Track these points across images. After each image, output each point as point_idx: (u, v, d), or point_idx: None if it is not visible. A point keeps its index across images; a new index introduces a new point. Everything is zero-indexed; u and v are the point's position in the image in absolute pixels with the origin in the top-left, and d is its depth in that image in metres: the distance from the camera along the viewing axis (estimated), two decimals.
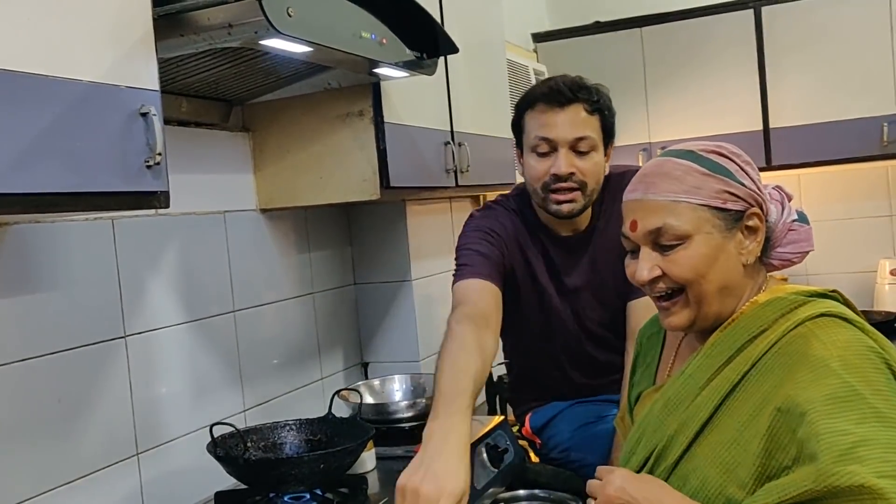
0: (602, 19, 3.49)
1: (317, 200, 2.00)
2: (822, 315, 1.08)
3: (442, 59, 2.10)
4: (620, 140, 3.39)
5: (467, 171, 2.29)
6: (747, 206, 1.13)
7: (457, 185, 2.27)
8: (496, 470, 1.78)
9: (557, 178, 1.73)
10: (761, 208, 1.15)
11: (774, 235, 1.17)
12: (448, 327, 1.58)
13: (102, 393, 1.56)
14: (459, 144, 2.26)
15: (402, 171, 1.99)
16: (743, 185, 1.13)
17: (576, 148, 1.73)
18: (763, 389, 1.06)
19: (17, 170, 1.02)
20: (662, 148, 3.30)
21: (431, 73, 1.85)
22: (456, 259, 1.80)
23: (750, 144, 3.26)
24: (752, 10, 3.26)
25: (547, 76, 3.40)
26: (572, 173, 1.73)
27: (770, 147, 3.27)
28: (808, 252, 1.20)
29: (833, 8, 3.15)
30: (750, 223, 1.14)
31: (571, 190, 1.74)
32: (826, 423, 0.98)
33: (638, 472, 1.16)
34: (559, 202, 1.75)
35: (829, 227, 3.53)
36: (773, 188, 1.19)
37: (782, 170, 3.31)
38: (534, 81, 3.22)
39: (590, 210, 1.84)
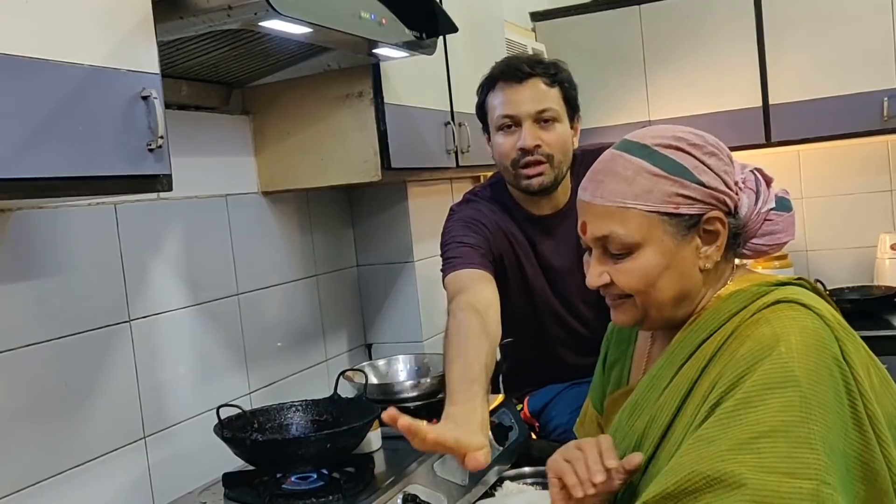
0: None
1: (318, 182, 2.00)
2: (779, 301, 1.03)
3: (441, 39, 2.10)
4: (620, 118, 3.43)
5: (468, 151, 2.28)
6: (705, 209, 1.04)
7: (458, 166, 2.27)
8: (501, 448, 1.79)
9: (524, 151, 1.77)
10: (725, 205, 1.05)
11: (748, 227, 1.08)
12: (451, 315, 1.55)
13: (108, 377, 1.57)
14: (460, 125, 2.25)
15: (403, 152, 1.99)
16: (701, 184, 1.03)
17: (539, 119, 1.77)
18: (712, 380, 1.01)
19: (19, 155, 1.02)
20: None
21: (431, 52, 1.84)
22: (442, 253, 1.80)
23: (750, 121, 3.26)
24: None
25: (545, 55, 3.39)
26: (538, 145, 1.77)
27: (770, 123, 3.25)
28: (785, 242, 1.12)
29: None
30: (708, 227, 1.05)
31: (539, 163, 1.78)
32: (742, 410, 0.94)
33: None
34: (529, 176, 1.79)
35: (830, 202, 3.53)
36: (750, 171, 1.10)
37: (782, 146, 3.30)
38: None
39: (567, 186, 1.87)
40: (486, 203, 1.90)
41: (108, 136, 1.15)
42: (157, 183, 1.25)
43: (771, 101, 3.24)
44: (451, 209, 1.93)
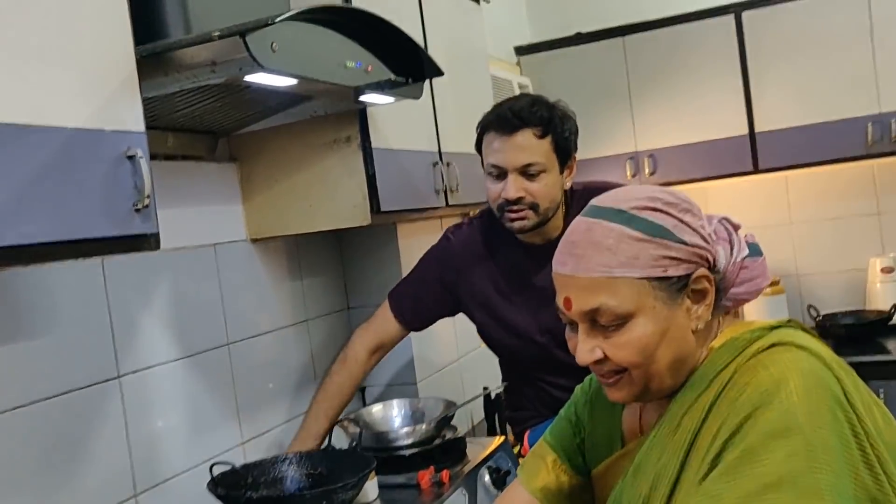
0: (584, 30, 3.50)
1: (307, 228, 1.98)
2: (774, 345, 1.01)
3: (427, 81, 2.10)
4: (607, 150, 3.45)
5: (457, 190, 2.28)
6: (692, 268, 1.01)
7: (447, 205, 2.27)
8: (499, 492, 1.77)
9: (508, 200, 1.81)
10: (707, 262, 1.03)
11: (726, 279, 1.05)
12: (351, 336, 2.05)
13: (99, 435, 1.54)
14: (448, 164, 2.25)
15: (392, 195, 1.98)
16: (684, 243, 1.01)
17: (525, 172, 1.80)
18: (715, 429, 0.98)
19: (3, 223, 1.01)
20: (650, 156, 3.34)
21: (417, 96, 1.84)
22: (410, 272, 2.05)
23: (736, 149, 3.28)
24: (732, 16, 3.27)
25: (530, 89, 3.41)
26: (521, 197, 1.81)
27: (757, 151, 3.28)
28: (763, 287, 1.09)
29: (813, 10, 3.16)
30: (697, 287, 1.02)
31: (522, 210, 1.82)
32: (746, 462, 0.91)
33: None
34: (511, 220, 1.84)
35: (818, 226, 3.54)
36: (718, 222, 1.07)
37: (769, 172, 3.32)
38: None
39: (560, 220, 1.90)
40: (472, 234, 2.01)
41: (93, 198, 1.13)
42: (145, 242, 1.23)
43: (757, 129, 3.27)
44: (446, 234, 2.05)
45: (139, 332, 1.67)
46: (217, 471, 1.45)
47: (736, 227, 1.09)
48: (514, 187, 1.79)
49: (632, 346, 1.01)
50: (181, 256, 1.80)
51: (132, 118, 1.21)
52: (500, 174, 1.81)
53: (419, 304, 2.03)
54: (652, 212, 1.02)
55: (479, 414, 2.54)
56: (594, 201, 1.08)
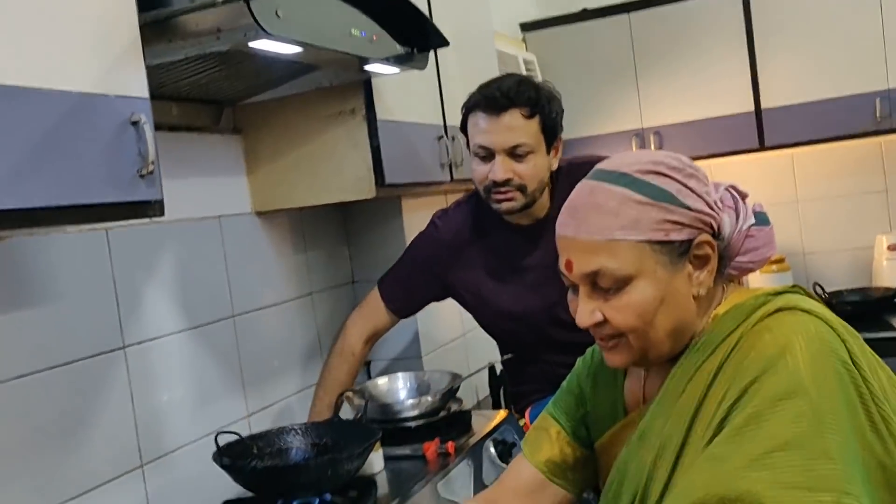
0: (589, 6, 3.47)
1: (311, 201, 1.98)
2: (779, 310, 1.00)
3: (432, 53, 2.08)
4: (613, 126, 3.43)
5: (462, 164, 2.27)
6: (694, 233, 1.01)
7: (452, 180, 2.26)
8: (505, 465, 1.77)
9: (496, 182, 1.80)
10: (711, 228, 1.02)
11: (731, 247, 1.04)
12: (344, 325, 2.07)
13: (104, 405, 1.54)
14: (453, 138, 2.24)
15: (397, 168, 1.97)
16: (687, 208, 1.00)
17: (513, 153, 1.79)
18: (720, 396, 0.98)
19: (7, 186, 1.00)
20: (655, 133, 3.32)
21: (422, 67, 1.83)
22: (398, 259, 2.06)
23: (743, 126, 3.26)
24: None
25: (536, 66, 3.39)
26: (509, 178, 1.80)
27: (763, 128, 3.25)
28: (769, 257, 1.09)
29: None
30: (699, 252, 1.02)
31: (509, 191, 1.81)
32: (753, 425, 0.91)
33: None
34: (499, 201, 1.83)
35: (825, 204, 3.52)
36: (725, 189, 1.07)
37: (776, 150, 3.30)
38: (524, 71, 3.20)
39: (546, 201, 1.90)
40: (461, 216, 2.01)
41: (97, 163, 1.13)
42: (150, 209, 1.23)
43: (763, 106, 3.24)
44: (432, 220, 2.05)
45: (144, 303, 1.67)
46: (222, 440, 1.45)
47: (743, 196, 1.08)
48: (502, 168, 1.78)
49: (631, 310, 1.01)
50: (186, 227, 1.79)
51: (136, 84, 1.21)
52: (488, 155, 1.80)
53: (410, 292, 2.04)
54: (656, 175, 1.02)
55: (484, 390, 2.54)
56: (599, 165, 1.08)
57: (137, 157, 1.18)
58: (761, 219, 1.08)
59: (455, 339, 2.65)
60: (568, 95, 3.44)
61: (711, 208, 1.03)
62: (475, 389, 2.61)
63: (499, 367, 2.28)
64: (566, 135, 3.32)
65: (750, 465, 0.89)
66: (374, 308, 2.06)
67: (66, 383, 1.47)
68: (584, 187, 1.05)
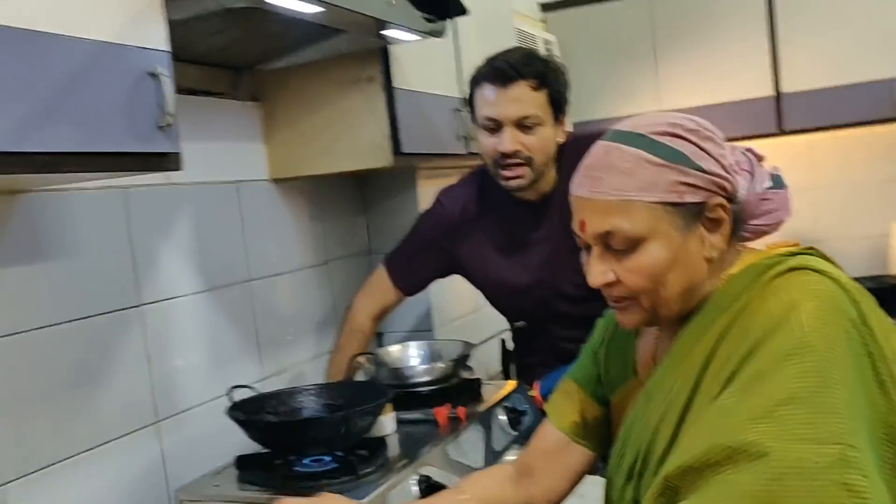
0: None
1: (329, 168, 1.99)
2: (790, 270, 1.00)
3: (451, 26, 2.09)
4: (631, 109, 3.41)
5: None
6: (708, 196, 1.00)
7: (468, 153, 2.26)
8: (515, 433, 1.78)
9: (504, 155, 1.79)
10: (725, 191, 1.02)
11: (746, 210, 1.04)
12: (352, 302, 2.10)
13: (119, 361, 1.56)
14: (465, 111, 2.24)
15: (414, 137, 1.98)
16: (701, 170, 1.00)
17: (521, 125, 1.78)
18: (726, 355, 0.98)
19: (27, 129, 1.02)
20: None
21: (441, 35, 1.83)
22: (404, 237, 2.06)
23: (762, 110, 3.23)
24: None
25: (555, 47, 3.38)
26: (518, 150, 1.79)
27: (782, 112, 3.23)
28: (784, 220, 1.07)
29: None
30: (712, 215, 1.01)
31: (518, 165, 1.81)
32: (758, 380, 0.91)
33: (629, 473, 1.09)
34: (507, 178, 1.82)
35: (841, 191, 3.50)
36: (741, 152, 1.06)
37: (794, 135, 3.28)
38: (543, 51, 3.19)
39: (552, 175, 1.89)
40: (465, 193, 2.01)
41: (116, 112, 1.14)
42: (167, 161, 1.24)
43: (783, 90, 3.22)
44: (437, 197, 2.06)
45: (160, 264, 1.68)
46: (237, 395, 1.46)
47: (759, 158, 1.08)
48: (509, 140, 1.78)
49: (643, 271, 1.01)
50: (203, 191, 1.81)
51: (157, 37, 1.22)
52: (495, 127, 1.80)
53: (416, 270, 2.05)
54: (672, 137, 1.01)
55: (495, 365, 2.55)
56: (615, 126, 1.08)
57: (156, 109, 1.20)
58: (777, 181, 1.07)
59: (467, 313, 2.66)
60: (587, 77, 3.46)
61: (727, 171, 1.02)
62: (485, 366, 2.62)
63: (509, 342, 2.29)
64: (584, 117, 3.33)
65: (756, 419, 0.89)
66: (380, 286, 2.07)
67: (83, 338, 1.49)
68: (599, 148, 1.06)
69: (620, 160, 1.01)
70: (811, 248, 1.08)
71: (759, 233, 1.08)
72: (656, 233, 1.00)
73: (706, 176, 1.00)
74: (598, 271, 1.05)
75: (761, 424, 0.89)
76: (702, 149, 1.01)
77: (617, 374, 1.21)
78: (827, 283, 0.98)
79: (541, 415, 1.90)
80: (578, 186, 1.06)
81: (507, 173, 1.81)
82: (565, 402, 1.26)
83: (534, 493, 1.24)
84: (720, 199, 1.01)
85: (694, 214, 1.01)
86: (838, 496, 0.83)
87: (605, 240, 1.03)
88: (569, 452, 1.24)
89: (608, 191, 1.01)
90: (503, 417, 1.77)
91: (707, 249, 1.03)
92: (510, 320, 2.13)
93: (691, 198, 1.00)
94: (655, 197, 0.99)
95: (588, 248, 1.07)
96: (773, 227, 1.08)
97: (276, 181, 2.05)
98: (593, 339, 1.28)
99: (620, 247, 1.02)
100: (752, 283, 1.01)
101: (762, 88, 3.24)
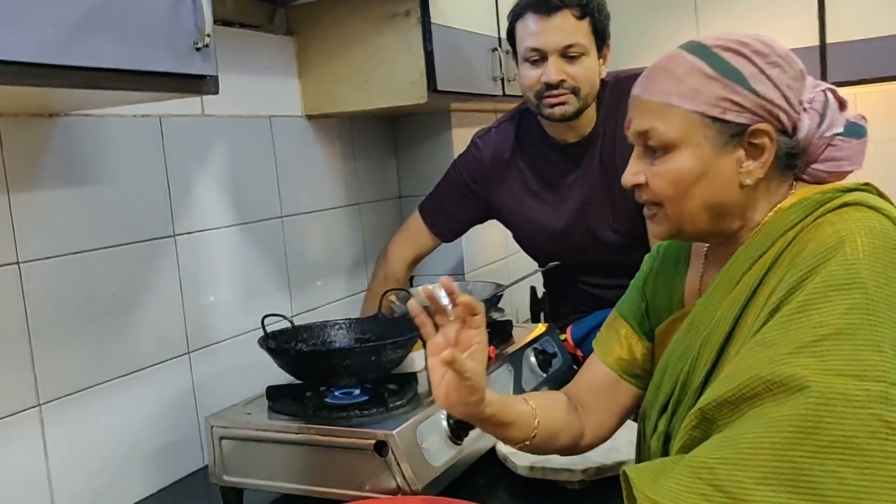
0: None
1: (363, 105, 1.97)
2: (845, 205, 0.97)
3: None
4: None
5: (514, 80, 2.23)
6: (754, 120, 0.98)
7: (504, 95, 2.23)
8: (544, 374, 1.77)
9: (549, 85, 1.76)
10: (779, 121, 0.99)
11: (808, 151, 1.02)
12: (386, 249, 2.09)
13: (154, 290, 1.57)
14: (507, 52, 2.20)
15: (449, 74, 1.95)
16: (755, 92, 0.98)
17: (566, 54, 1.75)
18: (773, 286, 0.97)
19: (67, 42, 1.00)
20: None
21: None
22: (439, 182, 2.05)
23: (805, 60, 3.11)
24: None
25: None
26: (563, 80, 1.76)
27: (826, 63, 3.15)
28: (848, 171, 1.05)
29: None
30: (755, 140, 0.99)
31: (563, 94, 1.77)
32: (804, 313, 0.89)
33: (664, 405, 1.09)
34: (552, 105, 1.79)
35: (887, 147, 3.41)
36: (821, 90, 1.02)
37: (838, 87, 3.19)
38: None
39: (592, 114, 1.86)
40: (500, 138, 1.98)
41: (155, 31, 1.12)
42: (204, 84, 1.23)
43: (828, 40, 3.13)
44: (473, 140, 2.03)
45: (194, 195, 1.68)
46: (269, 324, 1.47)
47: (840, 102, 1.03)
48: (555, 69, 1.75)
49: (668, 176, 1.02)
50: (237, 124, 1.80)
51: None
52: (540, 58, 1.77)
53: (452, 216, 2.04)
54: (734, 54, 1.00)
55: (525, 312, 2.54)
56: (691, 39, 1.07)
57: (194, 29, 1.18)
58: (854, 131, 1.03)
59: (498, 259, 2.65)
60: (627, 25, 3.38)
61: (788, 102, 0.99)
62: (516, 312, 2.61)
63: (539, 290, 2.28)
64: (623, 65, 3.26)
65: (797, 351, 0.88)
66: (415, 233, 2.06)
67: (119, 264, 1.50)
68: (670, 52, 1.06)
69: (676, 66, 1.01)
70: (868, 184, 1.05)
71: (820, 178, 1.05)
72: (688, 142, 1.00)
73: (757, 99, 0.98)
74: (631, 171, 1.07)
75: (802, 357, 0.87)
76: (763, 72, 0.99)
77: (663, 306, 1.20)
78: (883, 220, 0.96)
79: (571, 359, 1.90)
80: (637, 85, 1.07)
81: (551, 100, 1.78)
82: (612, 339, 1.25)
83: (583, 427, 1.24)
84: (766, 126, 0.99)
85: (733, 134, 0.99)
86: (878, 430, 0.81)
87: (645, 140, 1.04)
88: (617, 389, 1.23)
89: (655, 92, 1.02)
90: (533, 359, 1.76)
91: (743, 174, 1.01)
92: (543, 266, 2.12)
93: (733, 117, 0.99)
94: (695, 106, 0.99)
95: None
96: (834, 175, 1.05)
97: (310, 118, 2.03)
98: (641, 272, 1.27)
99: (655, 147, 1.03)
100: (805, 215, 0.99)
101: (807, 38, 3.15)
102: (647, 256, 1.28)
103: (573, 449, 1.24)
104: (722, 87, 0.98)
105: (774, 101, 0.99)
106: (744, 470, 0.85)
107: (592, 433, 1.24)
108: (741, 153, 1.00)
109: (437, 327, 1.12)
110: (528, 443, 1.17)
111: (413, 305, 1.11)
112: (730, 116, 0.98)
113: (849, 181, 1.05)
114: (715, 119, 0.99)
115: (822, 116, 1.01)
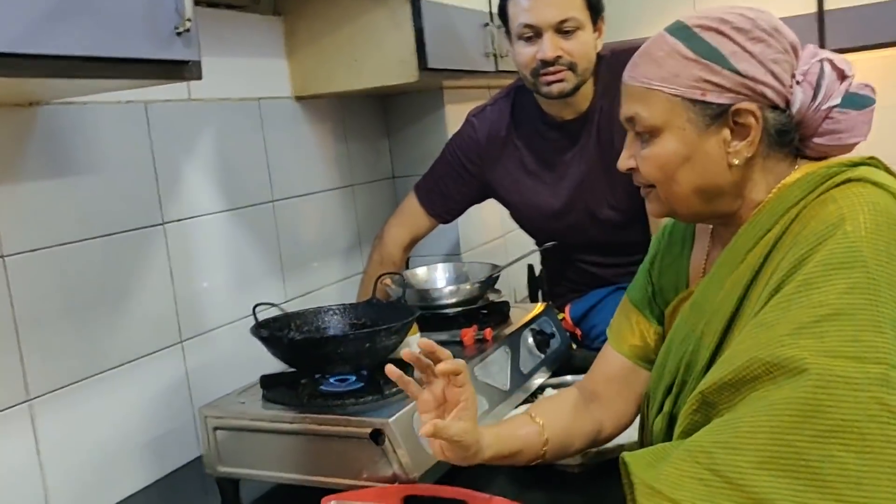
0: None
1: (353, 85, 1.93)
2: (848, 181, 0.95)
3: None
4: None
5: (507, 55, 2.19)
6: (736, 99, 0.96)
7: (497, 71, 2.19)
8: (542, 355, 1.75)
9: (545, 62, 1.73)
10: (765, 98, 0.97)
11: (805, 124, 0.99)
12: (382, 231, 2.04)
13: (144, 280, 1.55)
14: (499, 27, 2.16)
15: (441, 52, 1.91)
16: (736, 71, 0.95)
17: (561, 30, 1.72)
18: (776, 264, 0.95)
19: (40, 30, 0.97)
20: None
21: None
22: (434, 163, 2.01)
23: (803, 27, 3.10)
24: None
25: None
26: (559, 56, 1.73)
27: (824, 30, 3.10)
28: (852, 144, 1.02)
29: None
30: (740, 119, 0.97)
31: (560, 71, 1.74)
32: (803, 292, 0.88)
33: (669, 386, 1.08)
34: (549, 83, 1.76)
35: (888, 114, 3.37)
36: (818, 61, 0.98)
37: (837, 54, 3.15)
38: None
39: (589, 90, 1.83)
40: (494, 116, 1.93)
41: (133, 15, 1.09)
42: (186, 70, 1.19)
43: (826, 7, 3.08)
44: (468, 118, 1.99)
45: (183, 181, 1.65)
46: (260, 313, 1.44)
47: (840, 73, 0.99)
48: (550, 46, 1.71)
49: (654, 161, 1.02)
50: (225, 108, 1.76)
51: None
52: (534, 34, 1.73)
53: (448, 197, 2.00)
54: (713, 33, 0.97)
55: (522, 291, 2.52)
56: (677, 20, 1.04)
57: (174, 13, 1.15)
58: (853, 101, 0.99)
59: (494, 238, 2.62)
60: None
61: (776, 77, 0.97)
62: (513, 291, 2.59)
63: (537, 268, 2.26)
64: (617, 36, 3.21)
65: (797, 332, 0.86)
66: (411, 215, 2.02)
67: (107, 255, 1.47)
68: (654, 35, 1.05)
69: (658, 49, 1.01)
70: (873, 158, 1.02)
71: (821, 152, 1.03)
72: (671, 126, 1.00)
73: (739, 78, 0.96)
74: (624, 156, 1.07)
75: (802, 339, 0.86)
76: (745, 49, 0.96)
77: (670, 287, 1.19)
78: (886, 197, 0.93)
79: (569, 338, 1.88)
80: (625, 71, 1.07)
81: (548, 78, 1.75)
82: (623, 326, 1.24)
83: (601, 419, 1.23)
84: (750, 105, 0.97)
85: (716, 115, 0.98)
86: (879, 414, 0.80)
87: (632, 125, 1.04)
88: (633, 376, 1.22)
89: (638, 77, 1.02)
90: (531, 340, 1.74)
91: (731, 155, 0.99)
92: (540, 244, 2.10)
93: (714, 98, 0.97)
94: (675, 90, 0.98)
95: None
96: (837, 149, 1.02)
97: (299, 99, 2.00)
98: (648, 255, 1.25)
99: (641, 131, 1.03)
100: (809, 191, 0.97)
101: (805, 4, 3.10)
102: (654, 237, 1.27)
103: (594, 445, 1.24)
104: (701, 69, 0.97)
105: (758, 77, 0.96)
106: (743, 454, 0.84)
107: (613, 424, 1.23)
108: (727, 133, 0.99)
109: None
110: (539, 460, 1.18)
111: (391, 369, 1.10)
112: (710, 98, 0.97)
113: (855, 154, 1.03)
114: (696, 101, 0.98)
115: (817, 89, 0.97)
